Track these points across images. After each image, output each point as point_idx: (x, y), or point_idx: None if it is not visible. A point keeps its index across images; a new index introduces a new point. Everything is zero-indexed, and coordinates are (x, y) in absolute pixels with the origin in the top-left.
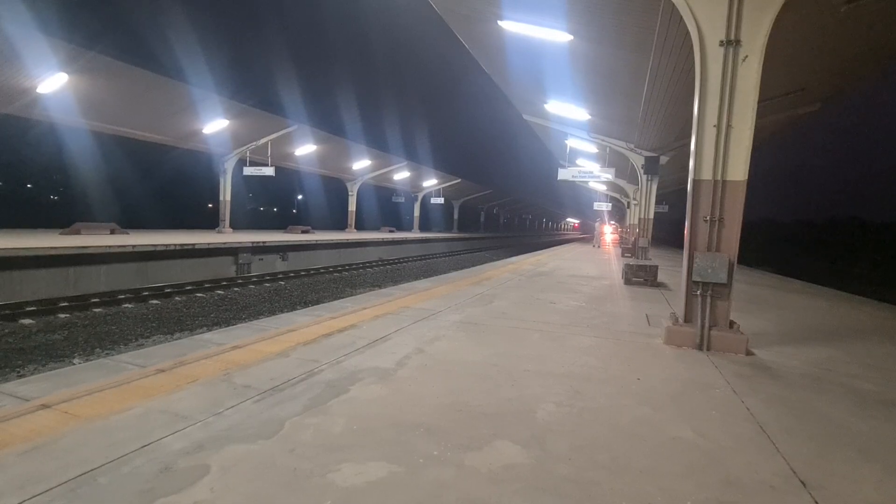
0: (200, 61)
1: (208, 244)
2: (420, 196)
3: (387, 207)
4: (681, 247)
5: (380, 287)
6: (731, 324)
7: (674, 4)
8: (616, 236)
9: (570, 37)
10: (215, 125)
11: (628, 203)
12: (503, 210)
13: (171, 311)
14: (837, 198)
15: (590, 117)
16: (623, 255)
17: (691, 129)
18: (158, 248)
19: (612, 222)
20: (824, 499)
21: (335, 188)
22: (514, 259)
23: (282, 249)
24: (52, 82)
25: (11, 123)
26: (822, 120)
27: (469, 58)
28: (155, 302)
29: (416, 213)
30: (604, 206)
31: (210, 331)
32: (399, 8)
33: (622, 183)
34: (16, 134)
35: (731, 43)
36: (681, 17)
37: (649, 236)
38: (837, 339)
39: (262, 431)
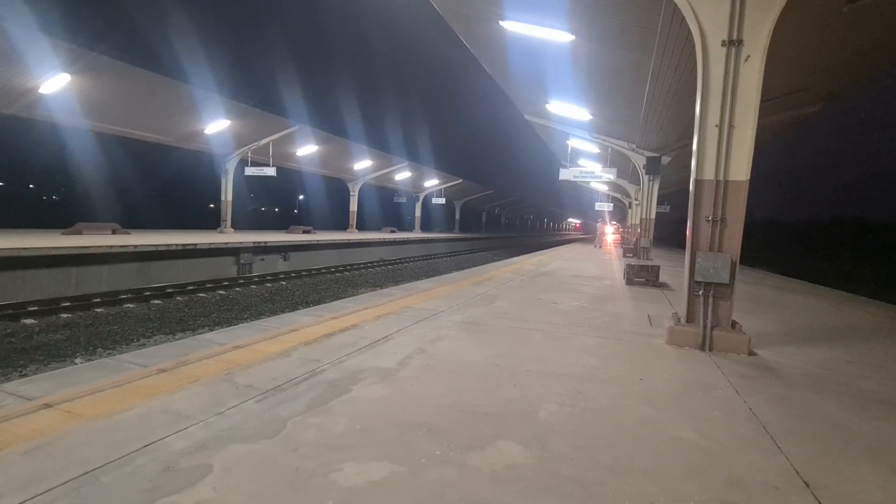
0: (202, 62)
1: (210, 244)
2: (421, 196)
3: (388, 208)
4: (682, 247)
5: (381, 287)
6: (734, 324)
7: (676, 4)
8: (618, 236)
9: (572, 37)
10: (217, 125)
11: (630, 203)
12: (505, 210)
13: (173, 311)
14: (838, 198)
15: (591, 117)
16: (625, 256)
17: (693, 129)
18: (160, 248)
19: (614, 222)
20: (828, 499)
21: (336, 188)
22: (515, 259)
23: (283, 249)
24: (55, 83)
25: (14, 124)
26: (823, 120)
27: (470, 58)
28: (157, 302)
29: (418, 213)
30: (605, 207)
31: (212, 331)
32: (400, 8)
33: (624, 183)
34: (18, 134)
35: (734, 43)
36: (683, 17)
37: (651, 236)
38: (840, 340)
39: (264, 431)
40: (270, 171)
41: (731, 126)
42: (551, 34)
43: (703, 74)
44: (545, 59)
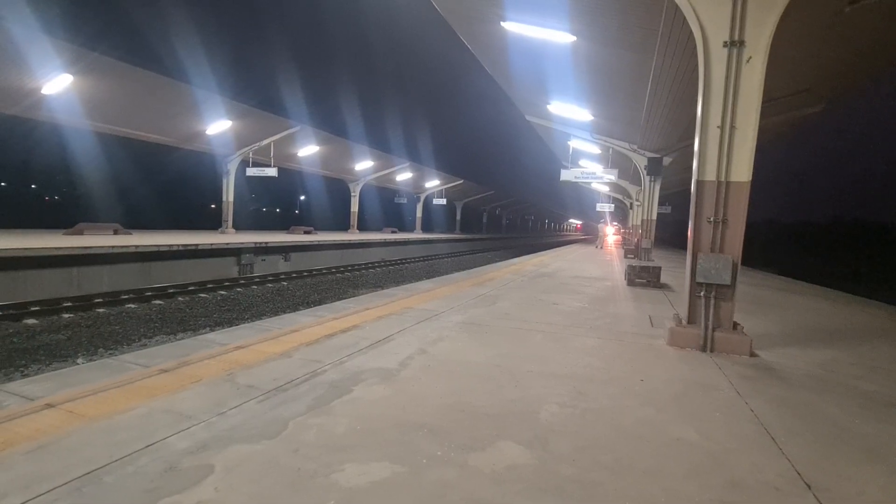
0: (204, 62)
1: (211, 245)
2: (422, 197)
3: (389, 208)
4: (684, 248)
5: (382, 288)
6: (735, 325)
7: (677, 5)
8: (619, 237)
9: (573, 37)
10: (218, 126)
11: (631, 204)
12: (506, 211)
13: (175, 312)
14: (840, 199)
15: (592, 118)
16: (626, 257)
17: (695, 129)
18: (161, 249)
19: (615, 223)
20: (829, 500)
21: (337, 189)
22: (516, 260)
23: (284, 250)
24: (57, 83)
25: (17, 124)
26: (825, 121)
27: (472, 59)
28: (158, 302)
29: (419, 213)
30: (606, 208)
31: (213, 331)
32: (401, 9)
33: (625, 184)
34: (21, 135)
35: (735, 44)
36: (684, 18)
37: (652, 237)
38: (842, 341)
39: (265, 431)
40: (272, 172)
41: (732, 127)
42: (552, 35)
43: (705, 75)
44: (546, 60)
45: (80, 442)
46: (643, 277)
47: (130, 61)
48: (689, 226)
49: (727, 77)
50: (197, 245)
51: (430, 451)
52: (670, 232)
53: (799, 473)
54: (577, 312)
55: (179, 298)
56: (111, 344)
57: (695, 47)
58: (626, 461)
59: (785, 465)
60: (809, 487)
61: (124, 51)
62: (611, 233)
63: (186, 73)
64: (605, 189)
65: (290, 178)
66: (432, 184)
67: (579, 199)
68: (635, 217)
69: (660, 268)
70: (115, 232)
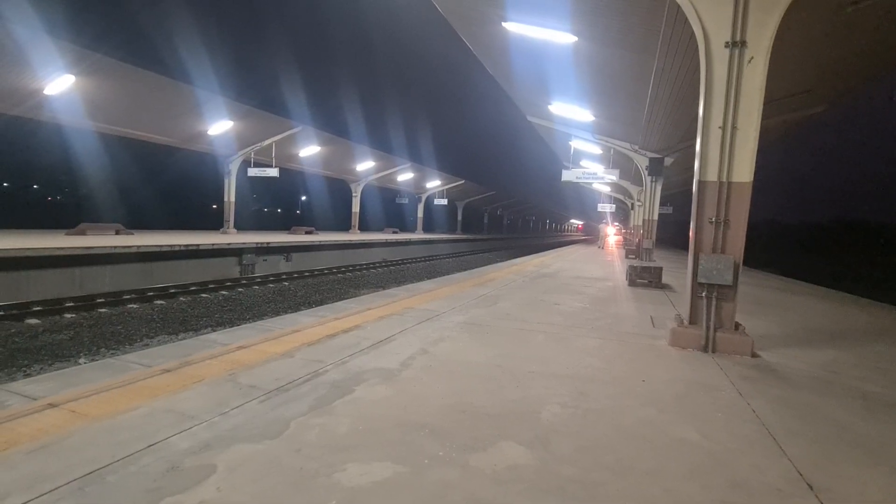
0: (205, 63)
1: (213, 245)
2: (424, 197)
3: (390, 209)
4: (685, 248)
5: (383, 288)
6: (737, 325)
7: (679, 6)
8: (620, 238)
9: (575, 38)
10: (220, 126)
11: (632, 204)
12: (507, 211)
13: (176, 312)
14: (841, 199)
15: (594, 118)
16: (627, 257)
17: (696, 130)
18: (163, 249)
19: (616, 224)
20: (831, 501)
21: (339, 189)
22: (517, 260)
23: (286, 250)
24: (59, 84)
25: (20, 125)
26: (828, 121)
27: (473, 59)
28: (160, 302)
29: (420, 214)
30: (608, 208)
31: (215, 331)
32: (403, 10)
33: (626, 184)
34: (23, 135)
35: (737, 44)
36: (686, 19)
37: (653, 238)
38: (844, 342)
39: (267, 431)
40: (273, 172)
41: (734, 127)
42: (553, 35)
43: (707, 76)
44: (548, 61)
45: (83, 441)
46: (644, 278)
47: (133, 62)
48: (691, 226)
49: (729, 78)
50: (198, 245)
51: (431, 452)
52: (671, 232)
53: (801, 474)
54: (578, 313)
55: (181, 298)
56: (113, 344)
57: (696, 48)
58: (628, 462)
59: (787, 465)
60: (811, 488)
61: (126, 51)
62: (612, 233)
63: (188, 73)
64: (606, 189)
65: (292, 179)
66: (433, 184)
67: (580, 199)
68: (637, 217)
69: (661, 268)
70: (117, 232)
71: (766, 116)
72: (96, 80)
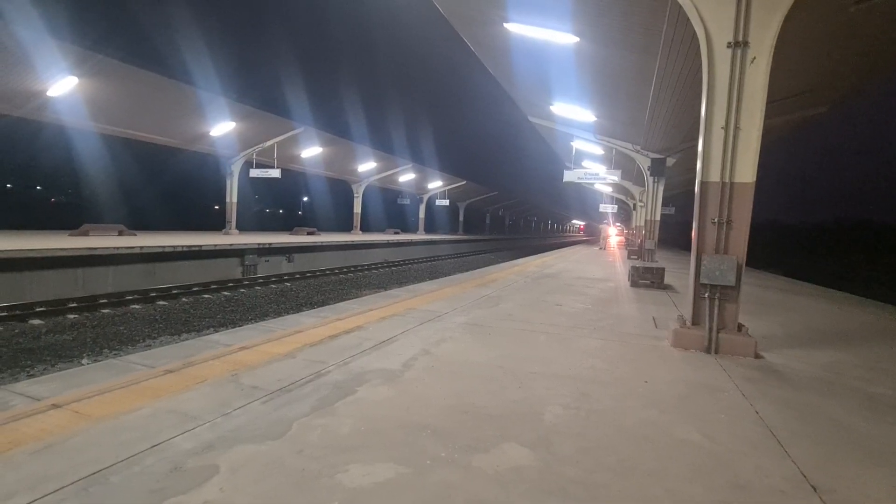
0: (208, 64)
1: (215, 245)
2: (425, 198)
3: (392, 209)
4: (687, 249)
5: (385, 289)
6: (740, 326)
7: (680, 6)
8: (622, 238)
9: (576, 38)
10: (222, 127)
11: (634, 205)
12: (509, 212)
13: (179, 312)
14: (843, 200)
15: (596, 119)
16: (629, 258)
17: (698, 130)
18: (166, 250)
19: (618, 224)
20: (835, 503)
21: (340, 190)
22: (519, 261)
23: (287, 251)
24: (62, 85)
25: (22, 126)
26: (830, 122)
27: (475, 60)
28: (162, 303)
29: (422, 214)
30: (609, 209)
31: (217, 332)
32: (404, 11)
33: (628, 185)
34: (27, 136)
35: (739, 44)
36: (688, 19)
37: (656, 238)
38: (847, 343)
39: (270, 432)
40: (275, 173)
41: (736, 128)
42: (555, 36)
43: (709, 76)
44: (549, 61)
45: (86, 442)
46: (647, 278)
47: (135, 63)
48: (694, 227)
49: (731, 78)
50: (201, 246)
51: (434, 452)
52: (674, 233)
53: (804, 476)
54: (580, 313)
55: (183, 299)
56: (116, 344)
57: (698, 48)
58: (630, 463)
59: (790, 467)
60: (815, 490)
61: (129, 53)
62: (613, 233)
63: (191, 74)
64: (608, 190)
65: (294, 180)
66: (435, 185)
67: (582, 200)
68: (639, 218)
69: (663, 269)
70: (120, 233)
71: (768, 116)
72: (99, 82)
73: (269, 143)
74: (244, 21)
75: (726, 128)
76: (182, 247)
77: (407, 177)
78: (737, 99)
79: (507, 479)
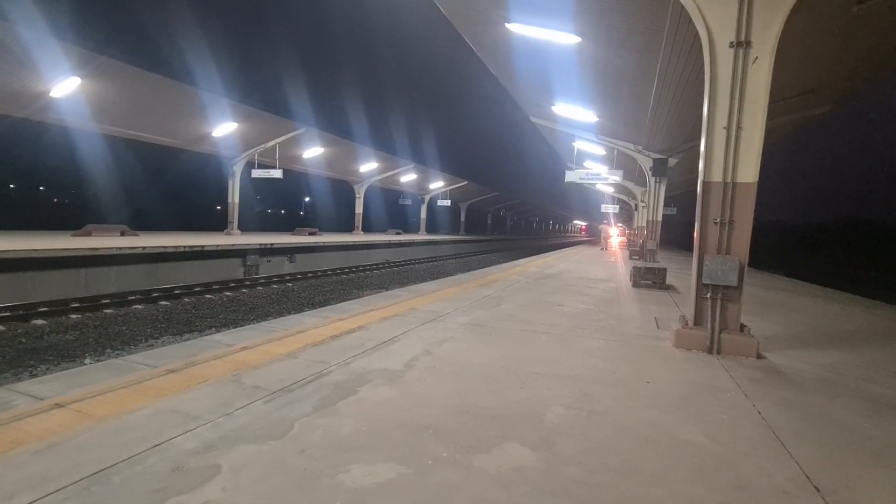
0: (210, 65)
1: (217, 246)
2: (427, 198)
3: (393, 210)
4: (689, 249)
5: (387, 289)
6: (742, 327)
7: (683, 6)
8: (624, 239)
9: (578, 39)
10: (224, 128)
11: (636, 205)
12: (510, 212)
13: (181, 313)
14: (844, 200)
15: (597, 119)
16: (631, 258)
17: (701, 130)
18: (168, 250)
19: (620, 224)
20: None
21: (342, 190)
22: (521, 261)
23: (289, 251)
24: (65, 86)
25: (26, 127)
26: (833, 122)
27: (476, 60)
28: (164, 303)
29: (423, 215)
30: (611, 209)
31: (219, 332)
32: (406, 12)
33: (630, 185)
34: (30, 137)
35: (742, 44)
36: (690, 19)
37: (657, 238)
38: (850, 343)
39: (272, 432)
40: (277, 174)
41: (739, 128)
42: (557, 36)
43: (711, 76)
44: (551, 62)
45: (89, 441)
46: (648, 279)
47: (138, 64)
48: (696, 227)
49: (733, 78)
50: (203, 246)
51: (435, 453)
52: (676, 233)
53: (807, 476)
54: (582, 314)
55: (185, 299)
56: (118, 344)
57: (700, 48)
58: (633, 463)
59: (793, 467)
60: (818, 490)
61: (132, 54)
62: (615, 234)
63: (193, 75)
64: (609, 190)
65: (295, 180)
66: (437, 185)
67: (584, 200)
68: (640, 218)
69: (665, 269)
70: (123, 233)
71: (770, 116)
72: (102, 83)
73: (270, 143)
74: (246, 22)
75: (728, 128)
76: (184, 247)
77: (408, 177)
78: (739, 99)
79: (509, 479)
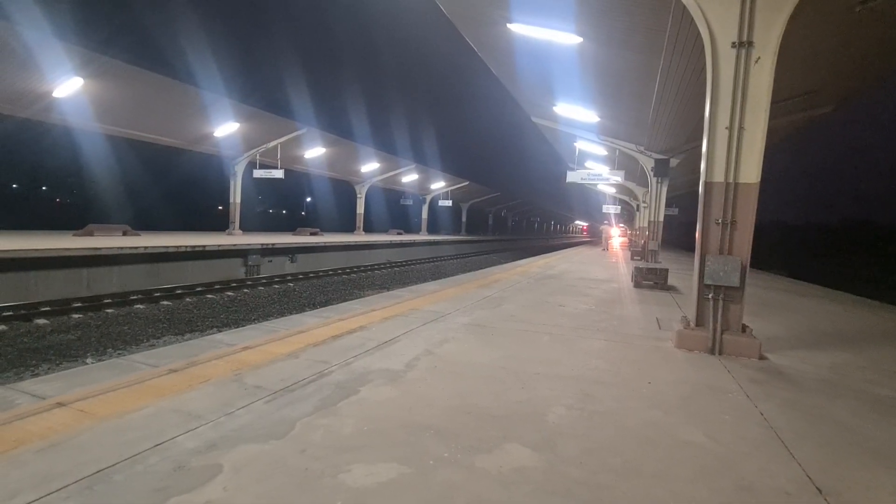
0: (212, 65)
1: (218, 246)
2: (428, 198)
3: (395, 210)
4: (691, 250)
5: (388, 289)
6: (744, 327)
7: (684, 6)
8: (625, 239)
9: (580, 39)
10: (226, 128)
11: (638, 206)
12: (511, 213)
13: (182, 312)
14: (846, 200)
15: (599, 119)
16: (632, 258)
17: (703, 131)
18: (170, 250)
19: (621, 225)
20: None
21: (344, 191)
22: (522, 262)
23: (291, 251)
24: (68, 87)
25: (28, 127)
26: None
27: (478, 61)
28: (166, 303)
29: (425, 215)
30: (612, 210)
31: (221, 332)
32: (407, 12)
33: (631, 185)
34: (32, 138)
35: (744, 44)
36: (692, 19)
37: (659, 239)
38: (852, 344)
39: (273, 431)
40: (278, 174)
41: (741, 128)
42: (558, 36)
43: (713, 76)
44: (552, 62)
45: (91, 441)
46: (650, 279)
47: (140, 64)
48: (698, 227)
49: (735, 78)
50: (204, 246)
51: (437, 453)
52: (677, 234)
53: (810, 478)
54: (583, 314)
55: (187, 299)
56: (120, 344)
57: (702, 48)
58: (634, 464)
59: (795, 469)
60: (820, 492)
61: (134, 54)
62: (616, 234)
63: (195, 75)
64: (611, 191)
65: (297, 180)
66: (438, 185)
67: (585, 200)
68: (642, 219)
69: (667, 270)
70: (125, 233)
71: (773, 117)
72: (104, 83)
73: (272, 143)
74: (248, 23)
75: (730, 128)
76: (186, 247)
77: (410, 177)
78: (741, 99)
79: (510, 479)
